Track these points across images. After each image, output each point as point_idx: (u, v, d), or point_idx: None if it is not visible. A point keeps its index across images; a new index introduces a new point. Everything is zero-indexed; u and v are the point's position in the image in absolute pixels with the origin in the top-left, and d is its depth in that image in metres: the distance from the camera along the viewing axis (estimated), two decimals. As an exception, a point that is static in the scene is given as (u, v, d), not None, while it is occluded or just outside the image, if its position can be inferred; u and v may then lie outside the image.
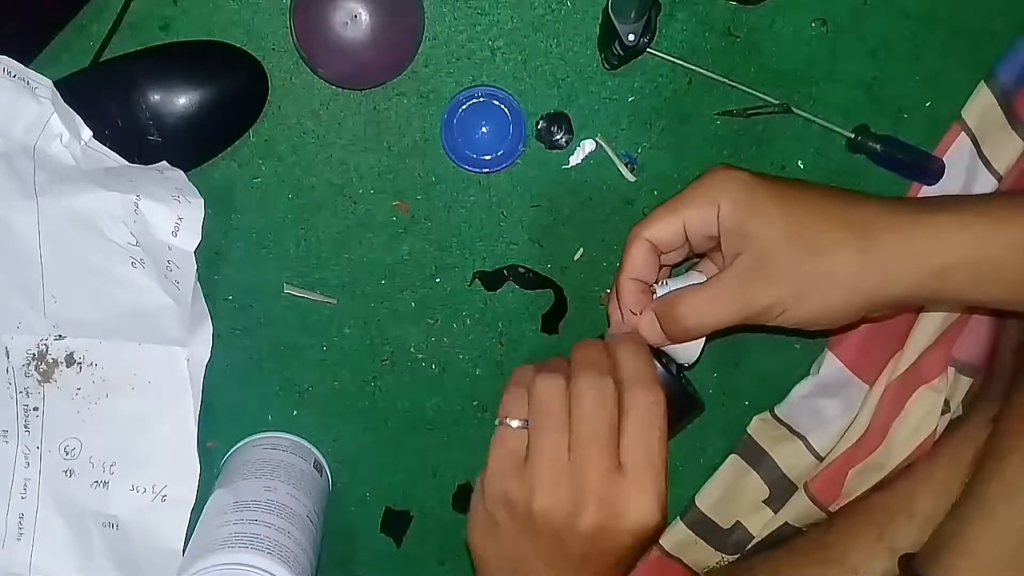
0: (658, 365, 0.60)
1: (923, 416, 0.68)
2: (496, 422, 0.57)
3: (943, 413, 0.68)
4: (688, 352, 0.59)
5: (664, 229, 0.57)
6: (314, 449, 0.71)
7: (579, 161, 0.68)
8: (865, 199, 0.55)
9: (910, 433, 0.69)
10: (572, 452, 0.53)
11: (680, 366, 0.61)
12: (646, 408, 0.54)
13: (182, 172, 0.63)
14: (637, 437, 0.53)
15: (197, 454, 0.64)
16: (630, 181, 0.68)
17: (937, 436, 0.69)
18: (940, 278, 0.52)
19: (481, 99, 0.66)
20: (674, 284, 0.59)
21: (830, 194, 0.55)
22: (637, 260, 0.58)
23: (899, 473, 0.69)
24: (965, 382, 0.69)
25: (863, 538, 0.66)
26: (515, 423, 0.56)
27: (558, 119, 0.67)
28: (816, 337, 0.71)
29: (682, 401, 0.61)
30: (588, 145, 0.68)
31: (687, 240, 0.57)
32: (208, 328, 0.64)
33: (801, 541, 0.70)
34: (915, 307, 0.67)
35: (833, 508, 0.70)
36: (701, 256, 0.62)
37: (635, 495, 0.53)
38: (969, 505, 0.61)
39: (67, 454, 0.64)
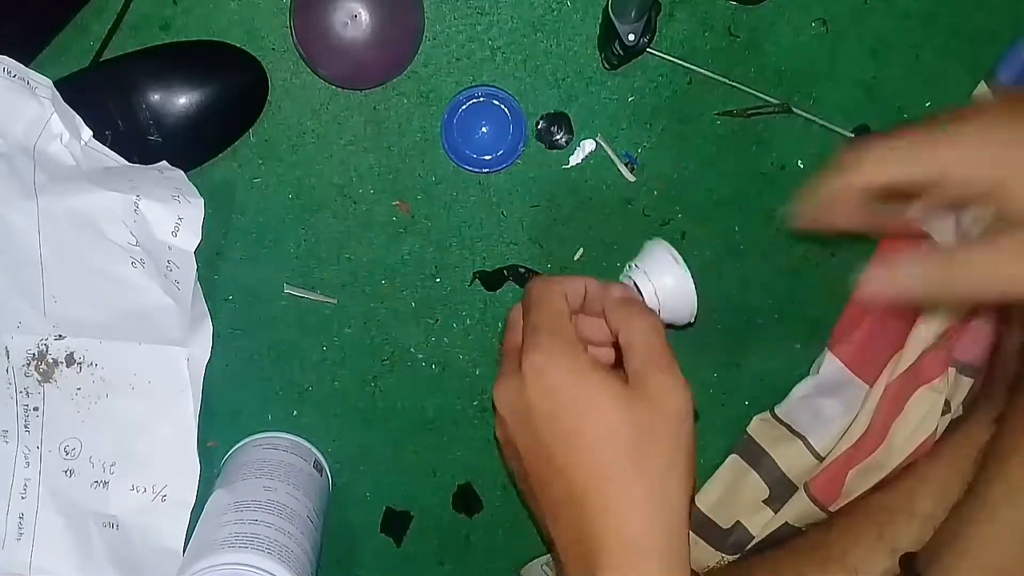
0: None
1: (923, 416, 0.68)
2: None
3: (943, 413, 0.68)
4: (686, 310, 0.58)
5: (908, 169, 0.48)
6: (314, 449, 0.71)
7: (579, 161, 0.68)
8: None
9: (910, 433, 0.69)
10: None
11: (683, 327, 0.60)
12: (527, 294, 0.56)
13: (182, 172, 0.63)
14: (524, 319, 0.55)
15: (197, 454, 0.64)
16: (630, 181, 0.68)
17: (937, 436, 0.69)
18: None
19: (481, 99, 0.66)
20: (644, 265, 0.58)
21: None
22: (865, 176, 0.49)
23: (899, 473, 0.69)
24: (966, 383, 0.69)
25: (863, 538, 0.66)
26: None
27: (558, 119, 0.67)
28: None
29: None
30: (588, 145, 0.68)
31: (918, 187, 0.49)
32: (208, 328, 0.64)
33: (801, 541, 0.70)
34: None
35: (833, 508, 0.70)
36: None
37: (525, 355, 0.52)
38: (971, 506, 0.60)
39: (67, 454, 0.64)
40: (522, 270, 0.70)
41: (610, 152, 0.68)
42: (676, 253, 0.58)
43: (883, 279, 0.50)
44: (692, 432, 0.52)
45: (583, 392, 0.51)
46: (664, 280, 0.58)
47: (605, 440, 0.51)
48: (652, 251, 0.59)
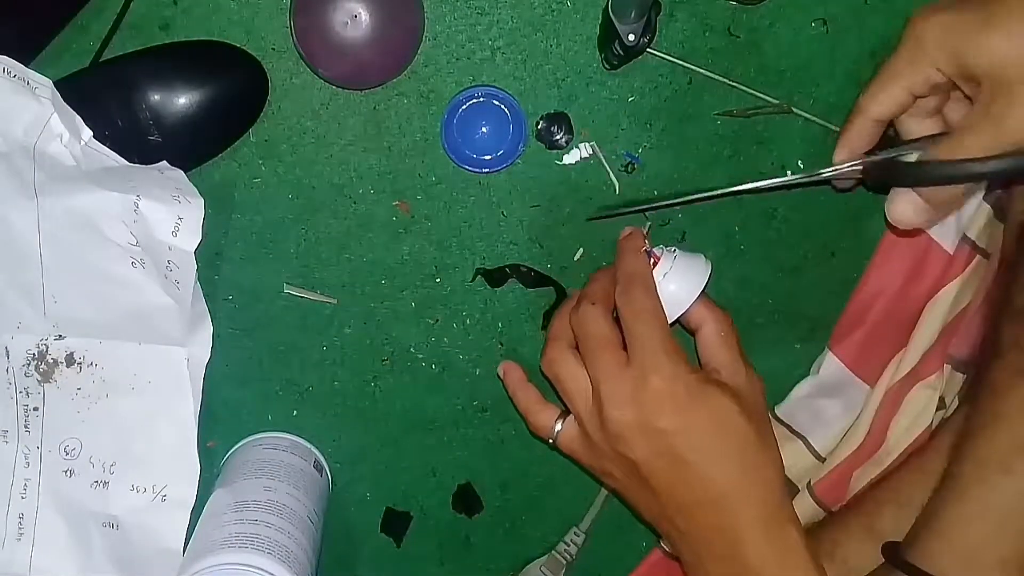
0: None
1: (918, 413, 0.69)
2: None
3: (938, 409, 0.68)
4: (674, 308, 0.62)
5: (892, 103, 0.57)
6: (314, 449, 0.71)
7: (573, 161, 0.68)
8: None
9: (905, 430, 0.69)
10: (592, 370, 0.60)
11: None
12: (625, 306, 0.60)
13: (182, 172, 0.63)
14: (628, 331, 0.59)
15: (197, 454, 0.64)
16: (616, 191, 0.68)
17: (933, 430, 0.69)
18: None
19: (481, 99, 0.66)
20: (680, 259, 0.62)
21: None
22: (861, 135, 0.59)
23: (892, 468, 0.69)
24: (959, 378, 0.69)
25: (853, 530, 0.66)
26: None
27: (558, 119, 0.67)
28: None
29: None
30: (584, 148, 0.68)
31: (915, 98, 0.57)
32: (208, 328, 0.64)
33: None
34: None
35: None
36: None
37: (637, 378, 0.58)
38: (944, 487, 0.61)
39: (67, 454, 0.64)
40: (524, 269, 0.70)
41: (601, 158, 0.68)
42: (707, 274, 0.63)
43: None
44: None
45: (707, 405, 0.58)
46: (684, 274, 0.62)
47: (736, 438, 0.58)
48: (696, 257, 0.63)
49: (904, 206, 0.58)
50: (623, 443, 0.58)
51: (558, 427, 0.64)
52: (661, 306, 0.60)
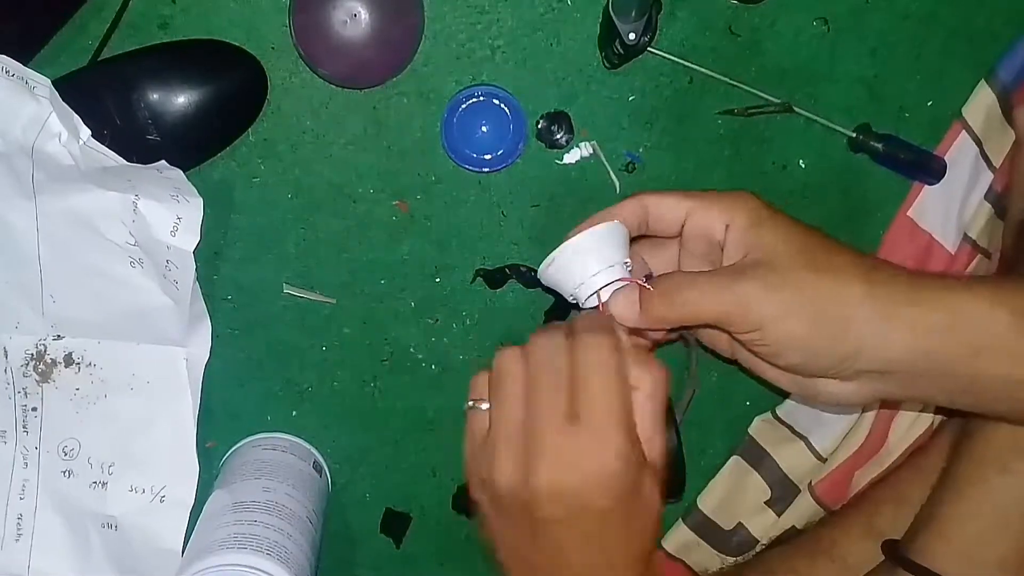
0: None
1: (919, 412, 0.68)
2: (466, 406, 0.53)
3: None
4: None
5: (669, 207, 0.54)
6: (313, 450, 0.71)
7: (574, 161, 0.68)
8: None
9: (906, 429, 0.69)
10: (525, 410, 0.49)
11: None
12: (597, 354, 0.49)
13: (181, 171, 0.63)
14: (588, 386, 0.49)
15: (196, 454, 0.64)
16: (617, 190, 0.68)
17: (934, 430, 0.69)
18: (943, 338, 0.49)
19: (481, 98, 0.66)
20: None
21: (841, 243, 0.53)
22: (625, 211, 0.55)
23: (892, 467, 0.69)
24: None
25: (852, 528, 0.66)
26: (484, 405, 0.52)
27: (558, 119, 0.67)
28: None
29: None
30: (584, 147, 0.68)
31: (679, 235, 0.55)
32: (207, 328, 0.64)
33: (795, 537, 0.70)
34: (897, 391, 0.55)
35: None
36: None
37: (590, 444, 0.48)
38: (943, 486, 0.61)
39: (66, 454, 0.64)
40: (524, 268, 0.70)
41: (602, 158, 0.68)
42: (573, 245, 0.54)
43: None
44: None
45: (637, 498, 0.49)
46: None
47: (640, 536, 0.50)
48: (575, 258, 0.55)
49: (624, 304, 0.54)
50: (534, 506, 0.49)
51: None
52: (624, 364, 0.50)
